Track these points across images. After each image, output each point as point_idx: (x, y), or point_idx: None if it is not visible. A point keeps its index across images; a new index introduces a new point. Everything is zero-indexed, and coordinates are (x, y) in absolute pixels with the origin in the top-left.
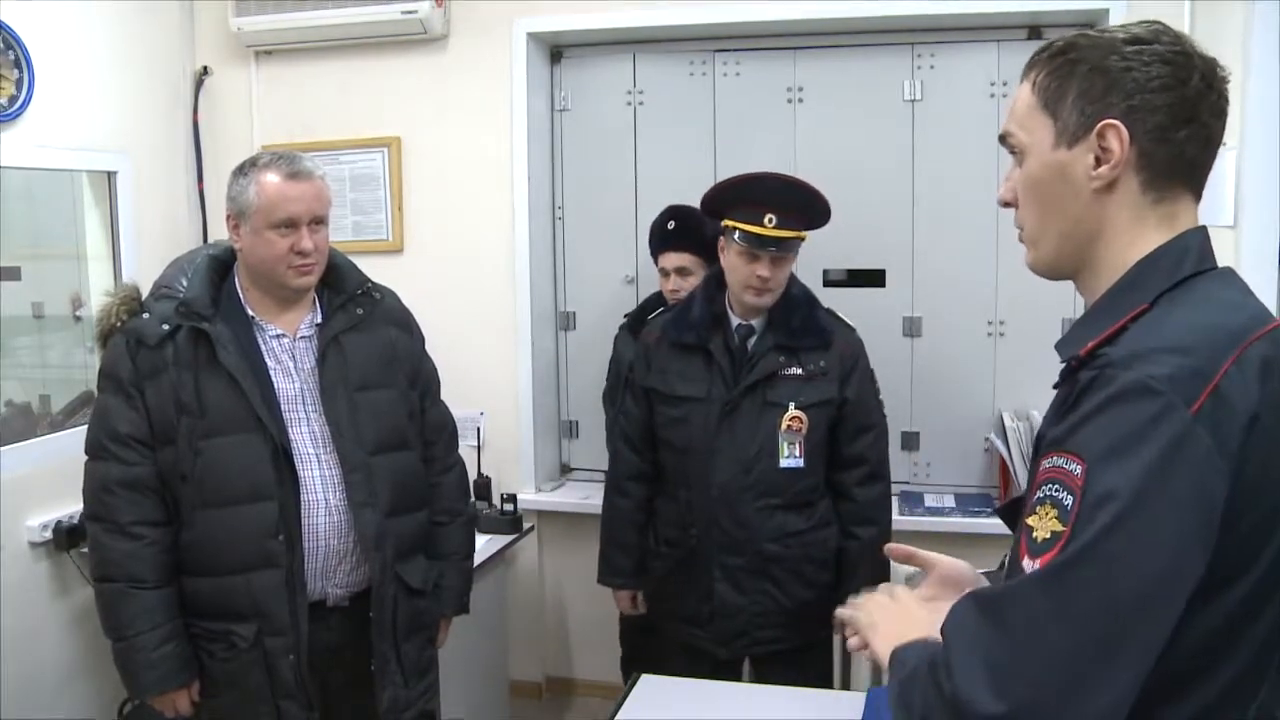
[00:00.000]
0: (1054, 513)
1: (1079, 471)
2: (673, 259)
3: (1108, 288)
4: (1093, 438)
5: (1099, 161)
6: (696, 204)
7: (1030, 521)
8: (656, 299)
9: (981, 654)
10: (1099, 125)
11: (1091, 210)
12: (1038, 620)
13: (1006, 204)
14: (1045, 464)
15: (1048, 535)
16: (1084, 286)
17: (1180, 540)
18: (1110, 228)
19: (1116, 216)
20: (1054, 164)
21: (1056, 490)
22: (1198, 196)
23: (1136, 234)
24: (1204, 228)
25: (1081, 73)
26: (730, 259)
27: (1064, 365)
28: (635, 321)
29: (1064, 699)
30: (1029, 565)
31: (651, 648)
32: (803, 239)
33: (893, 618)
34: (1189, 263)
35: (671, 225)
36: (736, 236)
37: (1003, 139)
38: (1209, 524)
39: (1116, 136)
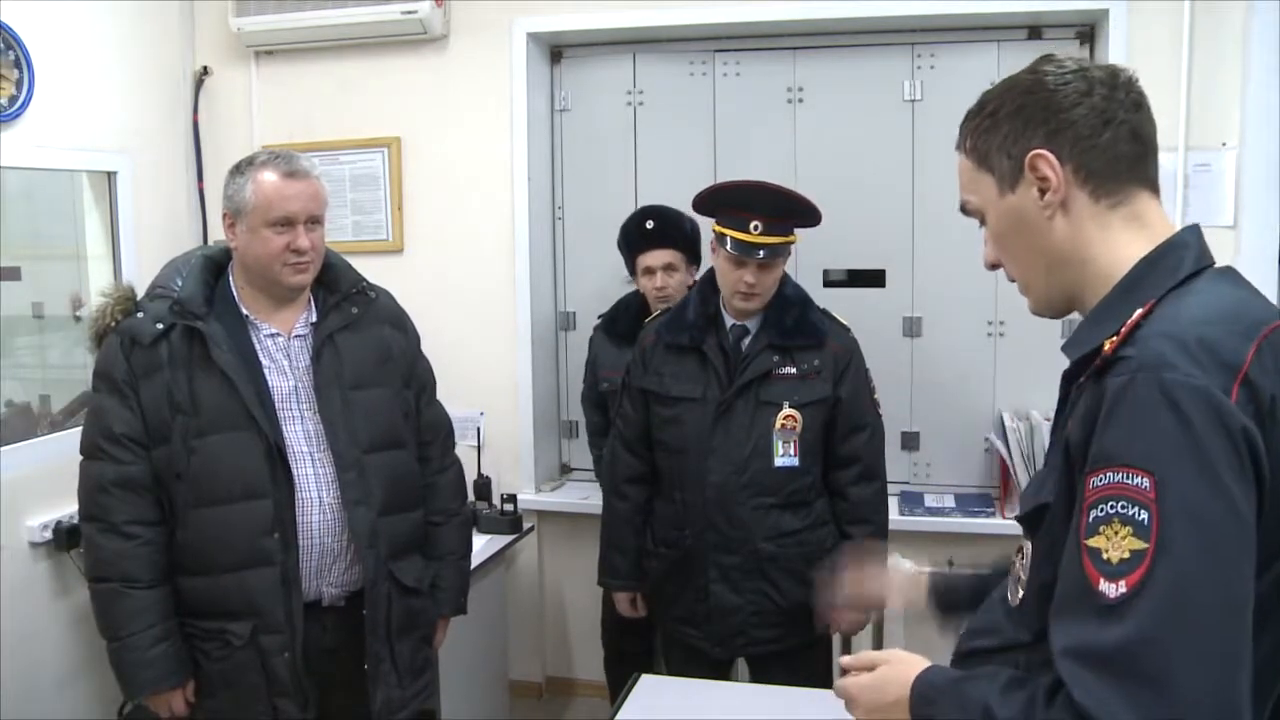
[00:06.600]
0: (1127, 530)
1: (1148, 485)
2: (660, 256)
3: (1106, 293)
4: (1154, 447)
5: (1042, 192)
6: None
7: (1095, 543)
8: (632, 299)
9: (1139, 716)
10: (1027, 159)
11: (1058, 236)
12: (1181, 658)
13: (994, 266)
14: (1098, 480)
15: (1126, 555)
16: (1083, 308)
17: (1251, 527)
18: (1083, 244)
19: (1083, 232)
20: (1007, 211)
21: (1125, 506)
22: (1155, 190)
23: (1109, 240)
24: (1198, 226)
25: (1000, 122)
26: (719, 264)
27: (1073, 363)
28: (609, 322)
29: (1225, 714)
30: (1111, 588)
31: (634, 648)
32: (791, 242)
33: (866, 687)
34: (1190, 260)
35: (651, 225)
36: (726, 244)
37: (963, 209)
38: (1258, 508)
39: (1046, 163)
